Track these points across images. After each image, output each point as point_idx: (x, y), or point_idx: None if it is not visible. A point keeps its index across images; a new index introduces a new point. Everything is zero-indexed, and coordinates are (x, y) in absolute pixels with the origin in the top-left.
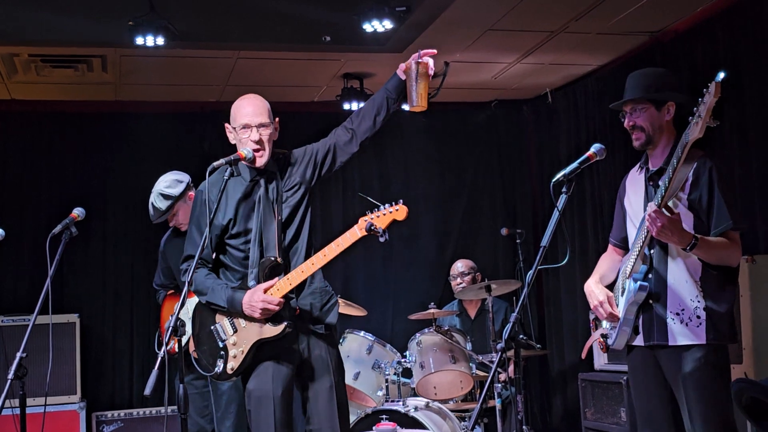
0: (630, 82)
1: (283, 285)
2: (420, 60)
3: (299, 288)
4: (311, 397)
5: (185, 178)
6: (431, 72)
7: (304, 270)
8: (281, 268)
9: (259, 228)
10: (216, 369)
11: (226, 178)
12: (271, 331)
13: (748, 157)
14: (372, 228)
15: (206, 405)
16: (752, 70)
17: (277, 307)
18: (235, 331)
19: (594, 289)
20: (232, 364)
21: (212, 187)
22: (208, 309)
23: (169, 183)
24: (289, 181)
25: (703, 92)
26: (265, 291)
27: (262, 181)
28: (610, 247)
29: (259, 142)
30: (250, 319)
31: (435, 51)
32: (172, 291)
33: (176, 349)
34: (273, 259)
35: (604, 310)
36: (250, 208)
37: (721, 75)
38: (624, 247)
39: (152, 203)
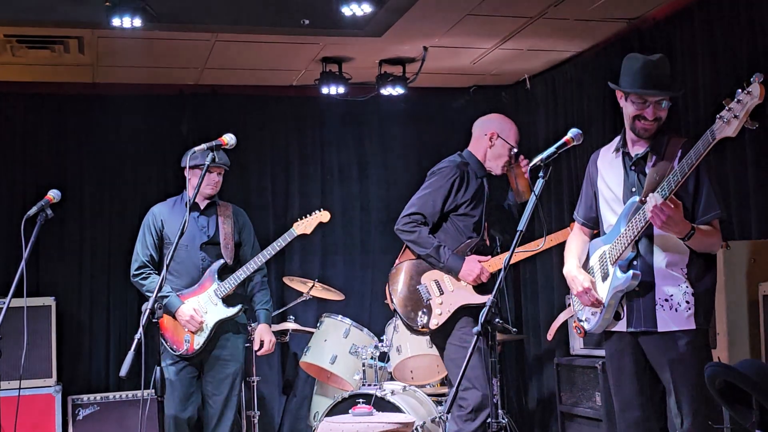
0: (657, 70)
1: (494, 263)
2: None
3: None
4: None
5: None
6: (525, 171)
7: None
8: (487, 251)
9: (482, 214)
10: (419, 321)
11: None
12: (477, 298)
13: (722, 144)
14: None
15: (193, 392)
16: (729, 58)
17: (485, 279)
18: (442, 293)
19: (577, 275)
20: (437, 321)
21: (466, 175)
22: (413, 271)
23: None
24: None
25: (740, 91)
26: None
27: (484, 181)
28: (577, 226)
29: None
30: (457, 284)
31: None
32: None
33: (191, 348)
34: (483, 240)
35: (589, 298)
36: (479, 198)
37: (759, 76)
38: (592, 226)
39: (221, 154)
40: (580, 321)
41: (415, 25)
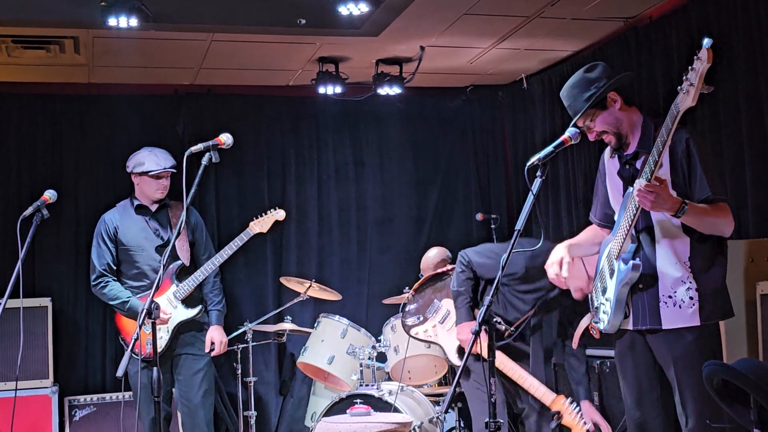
0: (565, 101)
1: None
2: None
3: None
4: None
5: None
6: None
7: None
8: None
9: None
10: (409, 321)
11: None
12: (452, 354)
13: (719, 141)
14: None
15: (167, 390)
16: (725, 56)
17: (465, 350)
18: (441, 322)
19: (558, 249)
20: (416, 332)
21: None
22: (446, 286)
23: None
24: None
25: (693, 60)
26: None
27: None
28: (593, 226)
29: None
30: (453, 330)
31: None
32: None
33: (152, 352)
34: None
35: (554, 269)
36: None
37: (709, 41)
38: (607, 224)
39: (165, 153)
40: (595, 322)
41: (412, 24)
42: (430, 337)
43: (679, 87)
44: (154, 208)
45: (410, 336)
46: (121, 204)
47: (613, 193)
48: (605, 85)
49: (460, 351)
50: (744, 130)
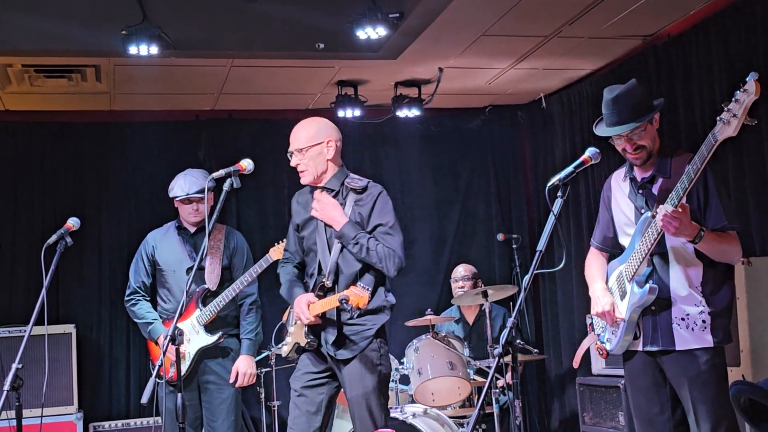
0: (617, 105)
1: (317, 307)
2: None
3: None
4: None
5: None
6: None
7: (331, 302)
8: (325, 289)
9: (314, 242)
10: (283, 349)
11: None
12: (302, 339)
13: (741, 158)
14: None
15: (197, 416)
16: (745, 72)
17: (305, 321)
18: (295, 323)
19: (600, 296)
20: (285, 349)
21: (298, 196)
22: None
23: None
24: (348, 211)
25: (738, 91)
26: (309, 304)
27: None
28: (594, 250)
29: (298, 166)
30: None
31: None
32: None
33: (174, 376)
34: (321, 282)
35: (610, 318)
36: (313, 223)
37: (755, 74)
38: (608, 249)
39: (195, 177)
40: (602, 342)
41: (430, 46)
42: (290, 343)
43: (718, 117)
44: (192, 230)
45: (287, 357)
46: (167, 224)
47: (620, 216)
48: (661, 101)
49: (311, 329)
50: (765, 146)
